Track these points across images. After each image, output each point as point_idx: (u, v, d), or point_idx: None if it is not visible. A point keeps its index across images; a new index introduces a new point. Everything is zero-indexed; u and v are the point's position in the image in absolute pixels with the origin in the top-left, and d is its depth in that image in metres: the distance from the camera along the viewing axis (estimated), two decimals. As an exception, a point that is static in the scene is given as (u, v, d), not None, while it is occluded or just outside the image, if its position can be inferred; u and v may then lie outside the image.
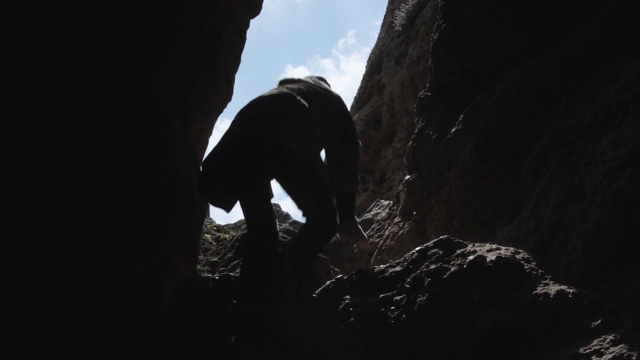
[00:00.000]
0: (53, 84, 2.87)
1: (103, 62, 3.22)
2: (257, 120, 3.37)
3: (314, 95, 3.73)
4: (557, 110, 2.80)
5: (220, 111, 5.90)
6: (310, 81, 4.06)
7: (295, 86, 3.78)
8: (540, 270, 2.16)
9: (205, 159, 3.42)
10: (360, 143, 3.93)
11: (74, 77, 3.00)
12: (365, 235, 3.89)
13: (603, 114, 2.36)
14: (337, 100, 3.95)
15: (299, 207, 3.43)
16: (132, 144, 3.32)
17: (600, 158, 2.20)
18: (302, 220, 3.49)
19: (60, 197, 2.79)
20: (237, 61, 5.92)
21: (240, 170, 3.29)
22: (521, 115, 3.04)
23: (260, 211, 3.36)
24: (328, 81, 4.30)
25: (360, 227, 3.81)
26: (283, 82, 4.02)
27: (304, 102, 3.55)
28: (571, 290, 1.93)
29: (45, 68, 2.84)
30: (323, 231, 3.31)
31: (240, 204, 3.41)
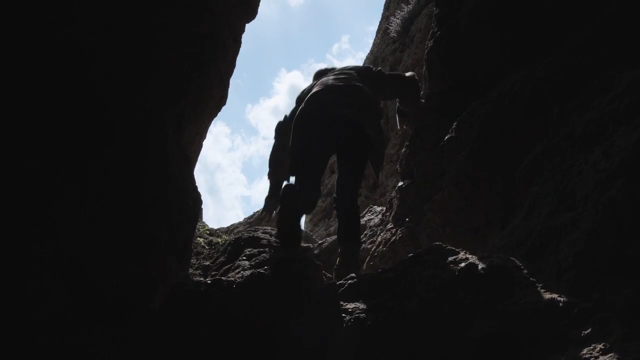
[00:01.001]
0: (44, 87, 2.87)
1: (96, 64, 3.21)
2: (349, 107, 4.00)
3: (363, 79, 4.41)
4: (550, 119, 2.81)
5: (215, 115, 5.90)
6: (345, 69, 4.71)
7: (352, 74, 4.46)
8: (531, 278, 2.17)
9: (296, 118, 4.18)
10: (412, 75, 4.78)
11: (67, 78, 3.00)
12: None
13: (595, 123, 2.38)
14: (370, 71, 4.70)
15: (342, 188, 4.08)
16: (124, 146, 3.31)
17: (592, 167, 2.22)
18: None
19: (52, 201, 2.78)
20: (232, 65, 5.92)
21: (326, 139, 4.03)
22: (514, 123, 3.06)
23: (319, 175, 4.23)
24: None
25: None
26: (323, 73, 4.77)
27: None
28: (562, 299, 1.94)
29: (35, 73, 2.84)
30: (357, 212, 4.07)
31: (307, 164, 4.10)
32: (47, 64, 2.89)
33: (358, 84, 4.25)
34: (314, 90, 4.27)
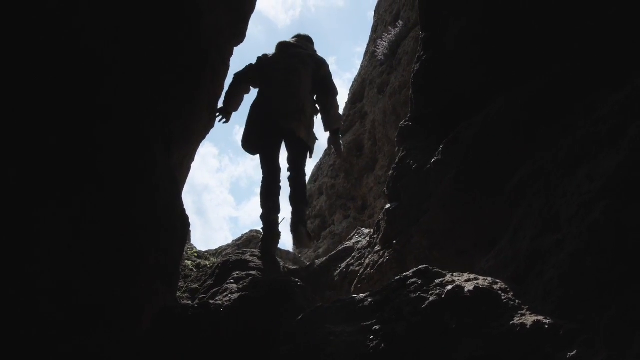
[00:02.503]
0: (33, 108, 2.87)
1: (88, 84, 3.22)
2: (284, 116, 5.72)
3: (309, 66, 6.15)
4: (535, 142, 2.84)
5: (203, 137, 5.92)
6: (303, 49, 6.44)
7: (297, 63, 6.11)
8: (517, 301, 2.18)
9: (249, 124, 6.01)
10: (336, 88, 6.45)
11: (60, 99, 3.01)
12: (342, 147, 6.94)
13: (579, 146, 2.41)
14: (322, 63, 6.36)
15: (291, 167, 5.97)
16: (113, 169, 3.32)
17: (576, 190, 2.24)
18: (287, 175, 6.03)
19: (39, 223, 2.77)
20: (221, 88, 5.95)
21: (270, 139, 5.92)
22: (500, 146, 3.09)
23: (275, 160, 5.97)
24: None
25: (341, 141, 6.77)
26: (284, 48, 6.38)
27: (308, 92, 6.11)
28: (547, 321, 1.95)
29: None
30: (304, 180, 6.05)
31: (263, 154, 5.99)
32: (37, 84, 2.90)
33: (300, 93, 5.93)
34: (268, 89, 6.10)
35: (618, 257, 1.87)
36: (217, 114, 6.17)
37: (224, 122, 6.29)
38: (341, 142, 6.82)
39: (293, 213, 5.92)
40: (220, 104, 6.15)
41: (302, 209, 5.95)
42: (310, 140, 6.04)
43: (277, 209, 5.83)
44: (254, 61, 6.40)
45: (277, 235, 5.82)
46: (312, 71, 6.17)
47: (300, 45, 6.50)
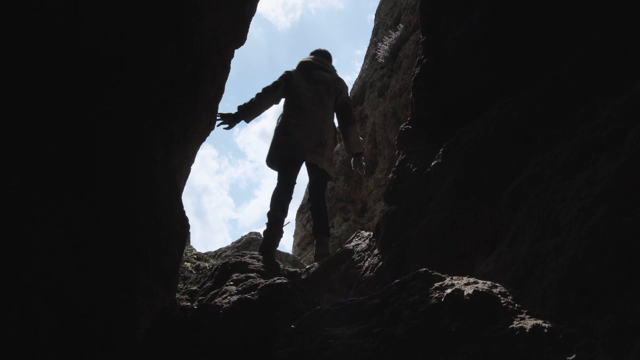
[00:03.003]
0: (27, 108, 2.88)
1: (88, 86, 3.23)
2: (309, 150, 6.34)
3: (332, 96, 6.66)
4: (534, 146, 2.85)
5: (203, 139, 5.92)
6: (325, 70, 6.88)
7: (323, 92, 6.63)
8: (516, 305, 2.19)
9: (279, 143, 6.47)
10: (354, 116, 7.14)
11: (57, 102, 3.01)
12: (364, 168, 7.33)
13: (579, 151, 2.41)
14: (343, 89, 6.82)
15: (314, 190, 6.61)
16: (112, 171, 3.32)
17: (576, 195, 2.25)
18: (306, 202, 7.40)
19: (37, 226, 2.77)
20: (221, 90, 5.95)
21: (294, 163, 6.45)
22: (500, 150, 3.09)
23: (293, 178, 6.44)
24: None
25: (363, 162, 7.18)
26: (307, 70, 6.83)
27: (330, 123, 6.71)
28: (546, 325, 1.95)
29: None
30: (326, 209, 6.55)
31: (283, 172, 6.46)
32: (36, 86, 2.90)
33: (324, 128, 6.50)
34: (295, 114, 6.49)
35: (617, 262, 1.88)
36: (219, 118, 6.27)
37: (224, 128, 6.42)
38: (363, 163, 7.21)
39: (317, 245, 6.45)
40: (220, 109, 6.27)
41: (326, 242, 6.49)
42: (330, 169, 6.73)
43: (286, 213, 6.36)
44: (278, 76, 6.83)
45: (281, 232, 6.31)
46: (335, 99, 6.72)
47: (322, 67, 6.91)
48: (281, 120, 6.63)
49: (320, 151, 6.40)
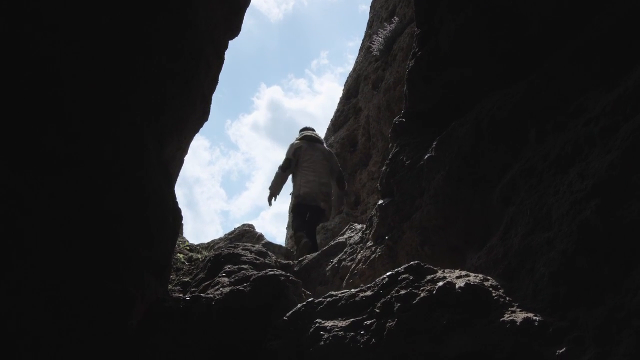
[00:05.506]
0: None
1: (74, 76, 3.21)
2: (318, 197, 9.24)
3: (328, 161, 9.66)
4: (527, 140, 2.85)
5: (197, 131, 5.89)
6: (321, 142, 10.02)
7: (319, 154, 9.58)
8: (508, 298, 2.20)
9: (298, 193, 9.33)
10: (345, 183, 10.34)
11: (39, 90, 2.99)
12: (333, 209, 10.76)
13: (571, 145, 2.42)
14: (332, 155, 9.99)
15: (312, 226, 9.38)
16: (102, 161, 3.30)
17: (568, 188, 2.25)
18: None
19: (28, 216, 2.76)
20: (215, 82, 5.92)
21: (308, 208, 9.30)
22: (492, 144, 3.10)
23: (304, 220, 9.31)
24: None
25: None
26: (310, 143, 9.72)
27: (330, 180, 9.71)
28: (537, 318, 1.96)
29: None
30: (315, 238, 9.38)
31: (300, 214, 9.39)
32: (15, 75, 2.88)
33: (329, 183, 9.57)
34: (305, 173, 9.34)
35: (608, 256, 1.89)
36: (269, 201, 10.00)
37: (270, 205, 10.12)
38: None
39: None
40: (214, 101, 6.43)
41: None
42: (329, 212, 9.88)
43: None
44: (290, 148, 9.74)
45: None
46: (331, 165, 9.69)
47: (319, 139, 10.02)
48: (297, 178, 9.56)
49: (328, 199, 9.52)
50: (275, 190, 9.82)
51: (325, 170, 9.51)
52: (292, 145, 9.66)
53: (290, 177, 9.83)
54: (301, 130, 10.20)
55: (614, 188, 1.98)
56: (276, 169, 9.88)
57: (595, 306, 1.84)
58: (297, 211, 9.41)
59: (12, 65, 2.83)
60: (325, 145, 10.06)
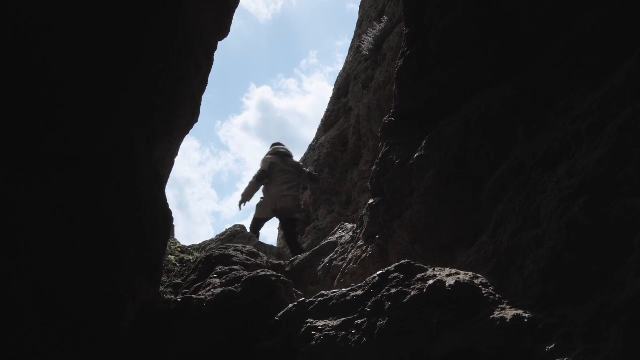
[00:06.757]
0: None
1: (65, 77, 3.20)
2: (293, 210, 10.08)
3: (298, 174, 10.45)
4: (516, 139, 2.87)
5: (187, 132, 5.88)
6: (291, 156, 10.64)
7: (291, 168, 10.37)
8: (497, 295, 2.21)
9: (274, 207, 10.11)
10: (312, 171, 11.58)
11: (28, 92, 2.98)
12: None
13: (559, 143, 2.43)
14: (301, 166, 10.88)
15: (293, 239, 10.12)
16: (93, 163, 3.30)
17: (556, 186, 2.27)
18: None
19: (19, 218, 2.75)
20: (205, 83, 5.91)
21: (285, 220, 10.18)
22: (481, 142, 3.11)
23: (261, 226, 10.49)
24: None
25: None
26: (281, 158, 10.42)
27: (300, 190, 10.89)
28: (527, 315, 1.98)
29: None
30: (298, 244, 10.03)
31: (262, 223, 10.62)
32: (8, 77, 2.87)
33: (297, 192, 10.46)
34: (279, 187, 10.06)
35: (596, 253, 1.90)
36: (239, 206, 10.81)
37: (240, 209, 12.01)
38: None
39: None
40: (203, 102, 6.40)
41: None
42: (301, 218, 11.16)
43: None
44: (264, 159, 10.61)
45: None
46: (300, 174, 10.52)
47: (289, 154, 10.64)
48: (265, 189, 10.40)
49: (298, 210, 10.41)
50: (247, 197, 10.76)
51: (297, 185, 10.53)
52: (266, 159, 10.54)
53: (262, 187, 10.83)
54: (272, 145, 11.13)
55: (601, 185, 2.00)
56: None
57: (583, 303, 1.85)
58: (261, 223, 10.63)
59: (6, 67, 2.82)
60: (293, 158, 10.98)
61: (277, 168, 10.33)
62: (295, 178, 10.48)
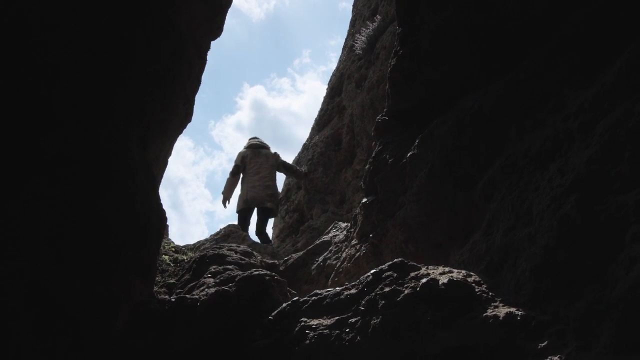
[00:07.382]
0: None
1: (56, 80, 3.19)
2: (264, 198, 10.75)
3: (273, 164, 11.15)
4: (508, 137, 2.88)
5: (180, 132, 5.87)
6: (265, 148, 11.42)
7: (262, 158, 11.10)
8: (490, 293, 2.22)
9: (245, 198, 10.82)
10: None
11: (23, 92, 2.98)
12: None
13: (551, 141, 2.45)
14: (277, 156, 11.38)
15: (260, 228, 10.96)
16: (87, 163, 3.29)
17: (548, 184, 2.28)
18: (255, 237, 10.74)
19: (11, 219, 2.75)
20: (197, 82, 5.91)
21: (252, 209, 10.99)
22: (474, 141, 3.12)
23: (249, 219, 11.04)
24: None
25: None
26: (255, 150, 11.24)
27: (275, 179, 11.29)
28: (520, 313, 1.99)
29: None
30: (266, 234, 11.16)
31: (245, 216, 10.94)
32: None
33: (273, 184, 11.01)
34: (251, 178, 10.82)
35: (588, 250, 1.91)
36: (223, 204, 11.52)
37: (225, 207, 11.68)
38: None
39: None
40: (196, 102, 6.43)
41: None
42: (276, 209, 11.37)
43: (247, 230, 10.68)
44: (237, 154, 11.43)
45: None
46: (274, 164, 11.12)
47: (263, 145, 11.39)
48: (242, 183, 11.10)
49: (271, 199, 10.92)
50: (227, 194, 11.38)
51: (270, 174, 11.04)
52: (239, 154, 11.29)
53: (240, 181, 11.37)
54: (249, 140, 11.72)
55: (593, 183, 2.01)
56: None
57: (575, 300, 1.86)
58: (242, 215, 10.92)
59: (4, 66, 2.81)
60: (270, 150, 11.51)
61: (249, 161, 10.98)
62: (267, 167, 10.98)
